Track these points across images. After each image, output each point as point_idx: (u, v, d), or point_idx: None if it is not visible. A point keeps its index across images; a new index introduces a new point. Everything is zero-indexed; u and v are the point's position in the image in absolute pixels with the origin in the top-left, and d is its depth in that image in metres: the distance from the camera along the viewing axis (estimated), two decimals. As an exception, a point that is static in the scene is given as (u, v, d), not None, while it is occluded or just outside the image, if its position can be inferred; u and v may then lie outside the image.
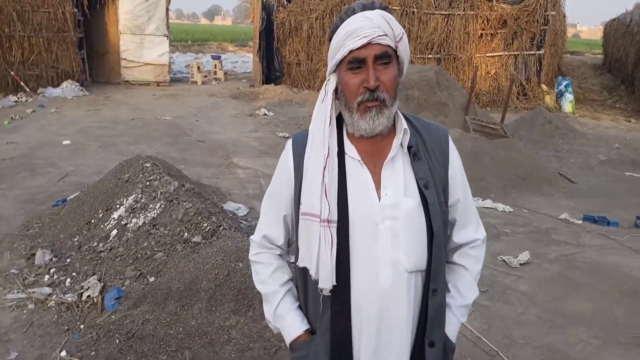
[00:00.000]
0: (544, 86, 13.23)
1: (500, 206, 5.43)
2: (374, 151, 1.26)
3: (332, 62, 1.24)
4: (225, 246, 3.38)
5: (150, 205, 3.92)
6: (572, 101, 12.62)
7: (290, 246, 1.42)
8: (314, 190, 1.21)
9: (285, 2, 14.01)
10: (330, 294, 1.22)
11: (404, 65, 1.26)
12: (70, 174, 5.93)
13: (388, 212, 1.22)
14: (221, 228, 3.66)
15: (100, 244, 3.71)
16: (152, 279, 3.20)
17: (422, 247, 1.24)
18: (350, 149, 1.26)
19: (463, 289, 1.35)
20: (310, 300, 1.31)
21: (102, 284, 3.25)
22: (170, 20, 14.36)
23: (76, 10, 12.31)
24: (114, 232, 3.77)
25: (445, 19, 13.11)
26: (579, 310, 3.49)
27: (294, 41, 14.24)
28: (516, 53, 13.29)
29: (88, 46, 13.20)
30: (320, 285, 1.21)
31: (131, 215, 3.88)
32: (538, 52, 13.27)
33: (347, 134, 1.28)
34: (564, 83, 12.81)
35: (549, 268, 4.07)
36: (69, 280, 3.44)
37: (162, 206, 3.88)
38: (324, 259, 1.20)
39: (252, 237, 1.42)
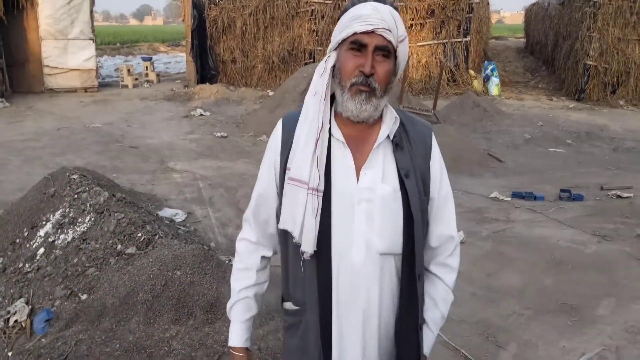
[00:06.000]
0: (471, 71, 13.79)
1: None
2: (359, 137, 1.30)
3: (335, 40, 1.29)
4: (161, 255, 3.28)
5: (80, 219, 3.74)
6: (498, 84, 13.26)
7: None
8: (304, 158, 1.25)
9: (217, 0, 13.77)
10: (310, 259, 1.27)
11: (400, 67, 1.31)
12: (-9, 192, 5.56)
13: (365, 194, 1.27)
14: (156, 237, 3.55)
15: (27, 265, 3.50)
16: (84, 297, 3.06)
17: (396, 232, 1.28)
18: (336, 131, 1.30)
19: (440, 302, 1.40)
20: (291, 264, 1.35)
21: (30, 306, 3.08)
22: (96, 23, 13.75)
23: (-9, 17, 11.52)
24: (41, 250, 3.57)
25: (376, 10, 13.34)
26: (510, 284, 3.68)
27: (228, 38, 14.04)
28: (445, 41, 13.74)
29: (7, 54, 12.36)
30: (303, 248, 1.26)
31: (59, 231, 3.70)
32: (465, 39, 13.79)
33: (336, 115, 1.32)
34: (490, 67, 13.43)
35: (482, 246, 4.27)
36: (-7, 306, 3.23)
37: (92, 219, 3.71)
38: (309, 224, 1.25)
39: (244, 214, 1.46)
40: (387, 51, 1.24)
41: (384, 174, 1.29)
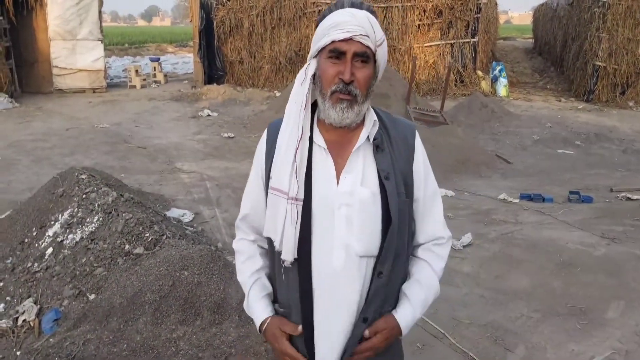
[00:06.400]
0: (479, 72, 13.74)
1: (442, 191, 5.60)
2: (341, 141, 1.32)
3: (314, 48, 1.30)
4: (168, 255, 3.29)
5: (88, 219, 3.76)
6: (506, 85, 13.19)
7: None
8: (284, 168, 1.27)
9: (225, 0, 13.79)
10: (290, 266, 1.30)
11: (380, 69, 1.32)
12: (1, 192, 5.60)
13: (344, 199, 1.28)
14: (164, 237, 3.56)
15: (35, 264, 3.52)
16: (92, 297, 3.07)
17: (374, 235, 1.29)
18: (318, 137, 1.32)
19: (425, 283, 1.39)
20: (277, 268, 1.37)
21: (39, 306, 3.09)
22: (104, 23, 13.83)
23: (1, 18, 11.61)
24: (50, 250, 3.59)
25: (384, 11, 13.33)
26: (519, 286, 3.65)
27: (235, 39, 14.07)
28: (452, 42, 13.70)
29: (16, 55, 12.47)
30: (283, 256, 1.29)
31: (67, 231, 3.72)
32: (472, 39, 13.74)
33: (318, 121, 1.34)
34: (498, 68, 13.37)
35: (490, 248, 4.24)
36: (2, 305, 3.25)
37: (101, 219, 3.73)
38: (288, 234, 1.27)
39: (236, 221, 1.50)
40: (366, 56, 1.25)
41: (364, 177, 1.30)
